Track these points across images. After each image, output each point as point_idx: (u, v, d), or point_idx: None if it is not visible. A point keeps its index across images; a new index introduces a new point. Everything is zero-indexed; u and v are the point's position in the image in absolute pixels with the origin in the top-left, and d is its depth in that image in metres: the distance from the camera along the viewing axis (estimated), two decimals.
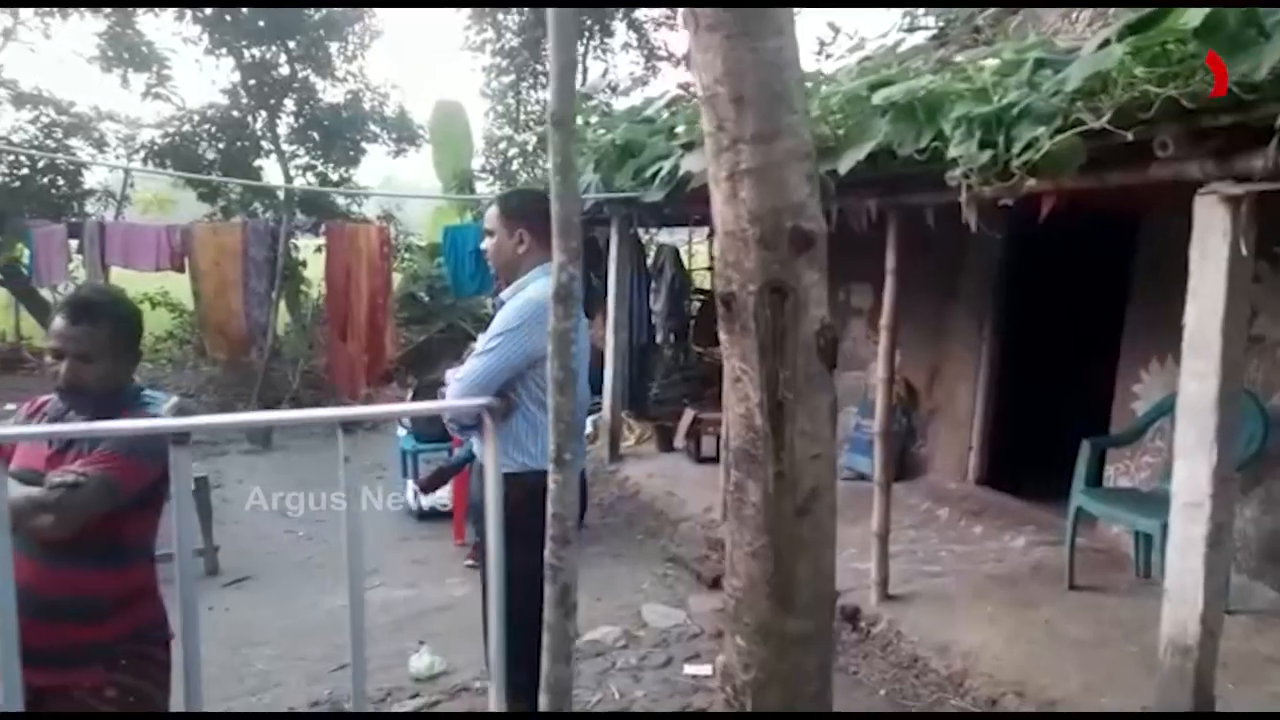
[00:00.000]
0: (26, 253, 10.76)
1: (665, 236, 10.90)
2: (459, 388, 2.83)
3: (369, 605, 4.80)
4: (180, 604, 0.87)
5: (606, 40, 16.40)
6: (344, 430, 0.87)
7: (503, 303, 3.05)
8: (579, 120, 8.02)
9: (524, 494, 2.83)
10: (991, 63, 3.37)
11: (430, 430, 6.37)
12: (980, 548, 5.20)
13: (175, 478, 1.62)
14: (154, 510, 2.26)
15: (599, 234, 8.09)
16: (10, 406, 9.88)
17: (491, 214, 3.04)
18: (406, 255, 13.43)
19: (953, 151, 3.20)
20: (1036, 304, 6.07)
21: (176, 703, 2.12)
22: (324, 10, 13.02)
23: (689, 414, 7.94)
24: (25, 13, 13.62)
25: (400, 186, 20.65)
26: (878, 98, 3.72)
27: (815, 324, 1.86)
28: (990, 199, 3.23)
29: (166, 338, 12.49)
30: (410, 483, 6.52)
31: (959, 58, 4.47)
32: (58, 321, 2.20)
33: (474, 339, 11.26)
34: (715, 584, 4.84)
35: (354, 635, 0.97)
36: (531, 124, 15.85)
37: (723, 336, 1.95)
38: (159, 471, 2.25)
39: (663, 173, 5.75)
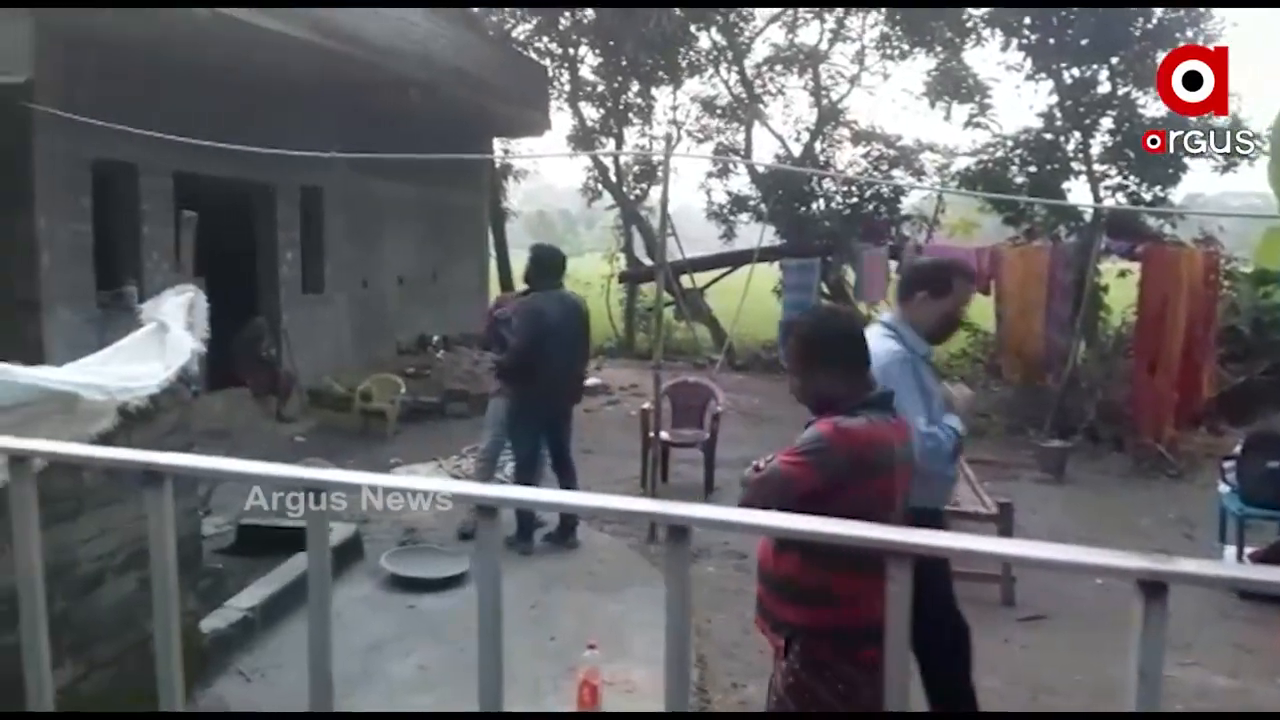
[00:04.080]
0: (851, 273, 12.23)
1: None
2: None
3: (1183, 685, 4.28)
4: None
5: None
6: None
7: None
8: None
9: None
10: None
11: (1265, 491, 5.40)
12: None
13: None
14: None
15: None
16: None
17: None
18: (1225, 283, 11.80)
19: None
20: None
21: None
22: (1153, 21, 12.16)
23: None
24: (870, 60, 15.54)
25: (1209, 204, 18.38)
26: None
27: None
28: None
29: (960, 355, 13.00)
30: (1229, 549, 5.62)
31: None
32: None
33: None
34: None
35: None
36: None
37: None
38: (821, 481, 2.40)
39: None
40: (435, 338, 12.23)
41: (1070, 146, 13.10)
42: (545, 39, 17.03)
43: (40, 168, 7.36)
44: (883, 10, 14.45)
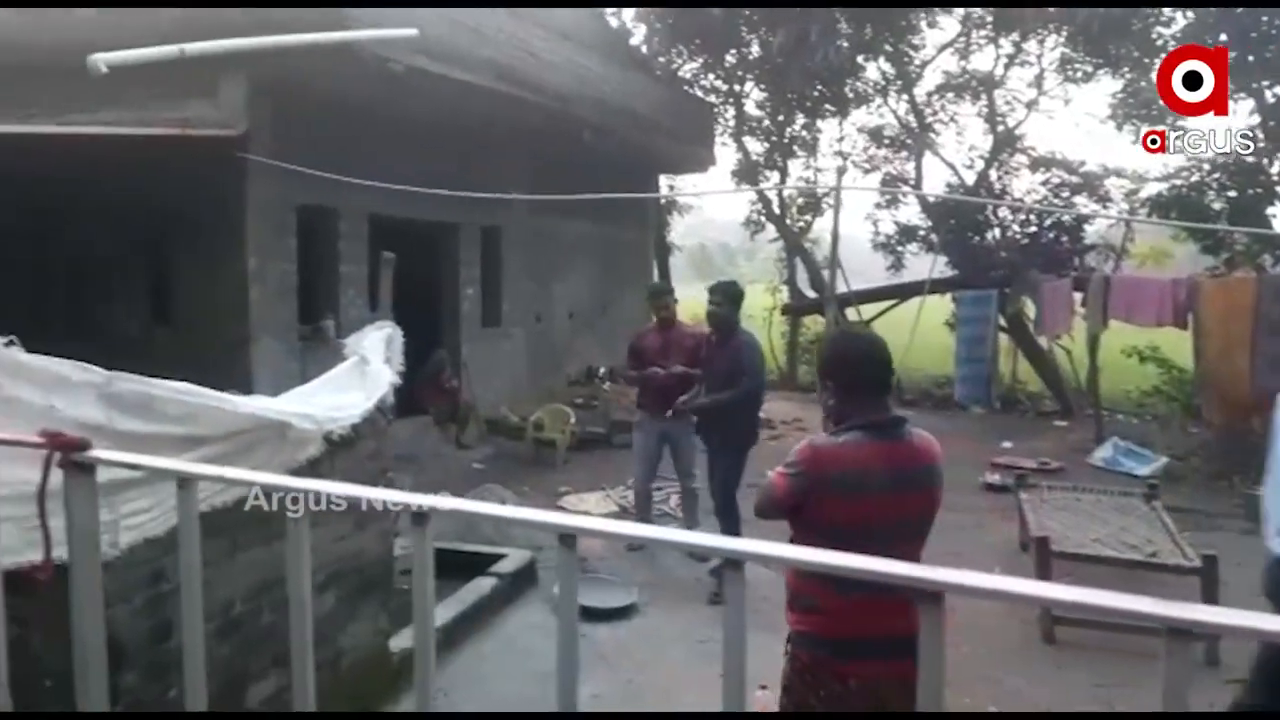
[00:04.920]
0: (1030, 305, 11.69)
1: None
2: None
3: None
4: None
5: None
6: None
7: None
8: None
9: None
10: None
11: None
12: None
13: None
14: (809, 532, 2.46)
15: None
16: (1006, 444, 10.85)
17: None
18: None
19: None
20: None
21: None
22: None
23: None
24: (1049, 84, 14.93)
25: None
26: None
27: None
28: None
29: (1152, 393, 12.20)
30: None
31: None
32: None
33: None
34: None
35: None
36: None
37: None
38: (795, 494, 2.49)
39: None
40: (601, 369, 12.51)
41: (1275, 169, 12.15)
42: (711, 76, 17.24)
43: (252, 212, 8.03)
44: (1063, 32, 13.87)
